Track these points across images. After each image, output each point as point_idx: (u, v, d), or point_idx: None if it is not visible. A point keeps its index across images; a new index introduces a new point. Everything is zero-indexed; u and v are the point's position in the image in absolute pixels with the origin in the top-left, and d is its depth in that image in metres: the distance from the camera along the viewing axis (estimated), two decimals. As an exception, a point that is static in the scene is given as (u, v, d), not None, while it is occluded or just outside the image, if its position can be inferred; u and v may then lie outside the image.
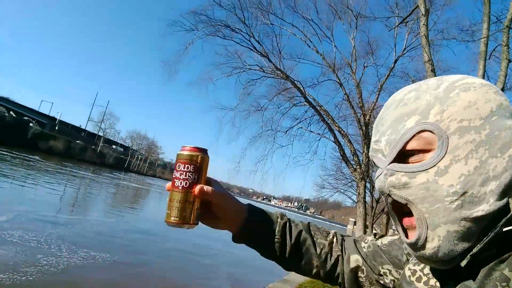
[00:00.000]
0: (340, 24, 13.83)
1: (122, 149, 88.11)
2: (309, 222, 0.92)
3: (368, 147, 13.45)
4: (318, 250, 0.86)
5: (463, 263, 0.49)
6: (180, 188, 0.67)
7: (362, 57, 14.30)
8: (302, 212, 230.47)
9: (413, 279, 0.62)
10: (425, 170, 0.50)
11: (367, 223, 16.90)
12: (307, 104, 13.23)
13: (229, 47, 13.76)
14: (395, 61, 13.12)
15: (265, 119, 14.94)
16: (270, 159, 15.38)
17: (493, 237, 0.46)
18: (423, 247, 0.50)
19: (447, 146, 0.49)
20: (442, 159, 0.49)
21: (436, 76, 6.55)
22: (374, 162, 0.61)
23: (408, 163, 0.53)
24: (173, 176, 0.69)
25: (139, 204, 23.09)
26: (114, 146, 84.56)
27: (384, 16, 11.71)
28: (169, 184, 0.70)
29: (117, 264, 7.58)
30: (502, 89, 6.88)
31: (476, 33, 7.95)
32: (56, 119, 68.30)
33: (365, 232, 13.26)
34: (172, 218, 0.67)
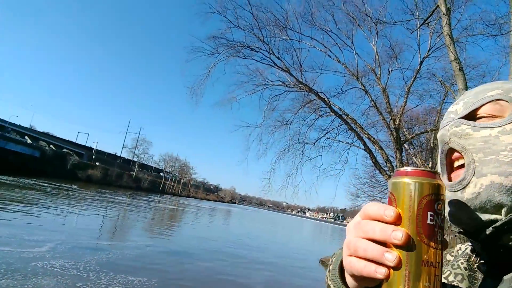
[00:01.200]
0: (360, 32, 13.74)
1: (156, 173, 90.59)
2: None
3: (400, 153, 13.07)
4: None
5: (488, 232, 0.49)
6: (438, 243, 0.41)
7: (386, 62, 14.06)
8: (339, 222, 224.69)
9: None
10: (491, 127, 0.54)
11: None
12: (333, 114, 13.13)
13: (250, 65, 14.00)
14: (421, 63, 12.78)
15: (291, 133, 14.92)
16: (300, 172, 15.26)
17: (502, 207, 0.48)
18: (463, 190, 0.53)
19: None
20: (509, 123, 0.53)
21: (464, 74, 6.27)
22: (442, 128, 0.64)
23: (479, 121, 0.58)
24: (429, 223, 0.40)
25: (175, 225, 23.50)
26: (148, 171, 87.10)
27: (404, 20, 11.53)
28: (400, 235, 0.40)
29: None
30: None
31: (504, 26, 7.65)
32: (92, 148, 71.78)
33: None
34: None
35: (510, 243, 0.49)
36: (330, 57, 13.43)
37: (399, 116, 13.10)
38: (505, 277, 0.49)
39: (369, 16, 12.96)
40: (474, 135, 0.55)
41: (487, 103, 0.57)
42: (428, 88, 14.79)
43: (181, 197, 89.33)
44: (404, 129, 15.29)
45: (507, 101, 0.55)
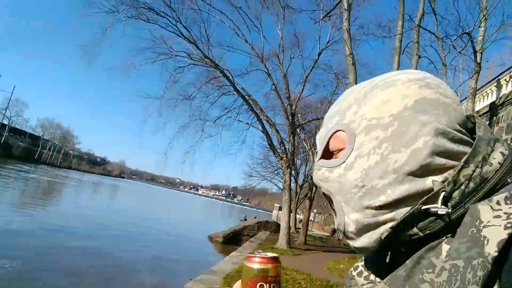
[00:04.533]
0: (268, 15, 13.95)
1: (31, 140, 78.99)
2: None
3: (294, 137, 13.94)
4: None
5: (384, 235, 0.51)
6: None
7: (289, 49, 14.65)
8: (230, 200, 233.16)
9: (354, 273, 0.65)
10: (338, 166, 0.55)
11: (292, 208, 17.67)
12: (236, 93, 13.15)
13: (154, 31, 12.99)
14: (319, 54, 13.69)
15: (193, 109, 14.55)
16: (199, 149, 15.09)
17: (411, 213, 0.48)
18: (345, 232, 0.55)
19: (354, 144, 0.54)
20: (349, 155, 0.54)
21: (355, 69, 6.82)
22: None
23: (331, 159, 0.58)
24: None
25: (48, 201, 20.98)
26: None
27: (310, 9, 12.09)
28: None
29: (18, 272, 6.66)
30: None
31: (392, 30, 8.62)
32: None
33: (289, 217, 13.82)
34: None
35: (408, 239, 0.51)
36: (238, 35, 13.35)
37: (296, 102, 13.88)
38: (406, 261, 0.50)
39: (278, 0, 13.20)
40: (330, 177, 0.56)
41: (330, 138, 0.58)
42: (323, 79, 16.05)
43: (61, 168, 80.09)
44: (299, 115, 16.34)
45: (343, 131, 0.56)
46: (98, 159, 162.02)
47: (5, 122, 67.67)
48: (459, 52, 8.52)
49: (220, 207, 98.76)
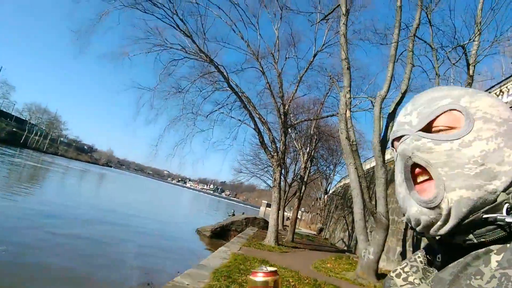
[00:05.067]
0: (266, 14, 13.97)
1: (17, 123, 77.40)
2: None
3: (285, 136, 14.05)
4: None
5: (442, 232, 0.54)
6: None
7: (284, 48, 14.73)
8: (217, 194, 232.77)
9: (392, 275, 0.67)
10: (451, 140, 0.55)
11: (280, 206, 17.82)
12: (229, 89, 13.16)
13: (149, 21, 12.91)
14: (314, 56, 13.79)
15: (186, 102, 14.51)
16: (190, 143, 15.08)
17: (471, 220, 0.51)
18: (438, 206, 0.54)
19: (473, 126, 0.55)
20: (467, 134, 0.55)
21: (350, 73, 6.96)
22: (393, 142, 0.66)
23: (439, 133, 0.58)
24: None
25: (31, 187, 20.70)
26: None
27: (308, 11, 12.17)
28: None
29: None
30: (406, 91, 7.76)
31: (388, 37, 8.77)
32: None
33: (278, 215, 13.97)
34: None
35: (462, 243, 0.54)
36: (235, 31, 13.36)
37: (289, 102, 13.98)
38: (449, 265, 0.54)
39: (276, 0, 13.24)
40: (436, 149, 0.56)
41: (441, 114, 0.58)
42: (316, 80, 16.17)
43: (47, 154, 78.78)
44: (291, 115, 16.46)
45: (459, 111, 0.57)
46: (85, 147, 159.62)
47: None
48: (453, 64, 8.72)
49: (208, 200, 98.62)
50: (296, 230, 21.34)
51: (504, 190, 0.51)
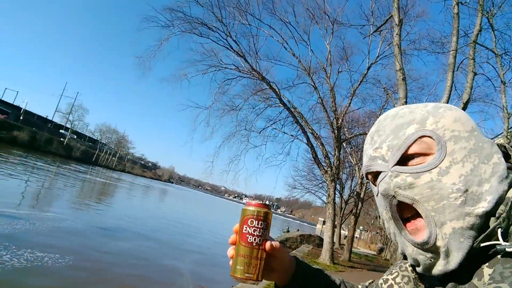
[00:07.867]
0: (317, 29, 14.02)
1: (90, 143, 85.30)
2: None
3: (339, 150, 13.74)
4: None
5: (450, 267, 0.52)
6: (254, 244, 0.68)
7: (336, 62, 14.57)
8: (273, 211, 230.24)
9: (384, 286, 0.67)
10: (429, 170, 0.54)
11: (336, 223, 17.28)
12: (281, 105, 13.32)
13: (205, 45, 13.60)
14: (368, 68, 13.45)
15: (239, 119, 14.92)
16: (243, 159, 15.41)
17: (469, 250, 0.50)
18: (434, 245, 0.53)
19: (446, 149, 0.54)
20: (443, 160, 0.53)
21: (406, 84, 6.69)
22: (367, 175, 0.65)
23: (408, 166, 0.57)
24: (244, 231, 0.70)
25: (103, 200, 22.40)
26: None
27: (360, 24, 11.99)
28: (233, 237, 0.71)
29: (67, 268, 6.78)
30: (468, 100, 7.22)
31: (446, 46, 8.30)
32: (21, 108, 64.86)
33: (333, 232, 13.56)
34: (245, 275, 0.67)
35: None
36: (286, 49, 13.56)
37: (342, 115, 13.72)
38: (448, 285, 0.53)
39: (327, 15, 13.28)
40: (417, 183, 0.54)
41: (412, 143, 0.57)
42: (371, 93, 15.68)
43: (115, 171, 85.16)
44: (345, 129, 16.09)
45: (429, 136, 0.56)
46: (149, 164, 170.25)
47: (68, 125, 72.63)
48: (520, 70, 8.00)
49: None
50: (355, 250, 20.46)
51: (492, 211, 0.51)
